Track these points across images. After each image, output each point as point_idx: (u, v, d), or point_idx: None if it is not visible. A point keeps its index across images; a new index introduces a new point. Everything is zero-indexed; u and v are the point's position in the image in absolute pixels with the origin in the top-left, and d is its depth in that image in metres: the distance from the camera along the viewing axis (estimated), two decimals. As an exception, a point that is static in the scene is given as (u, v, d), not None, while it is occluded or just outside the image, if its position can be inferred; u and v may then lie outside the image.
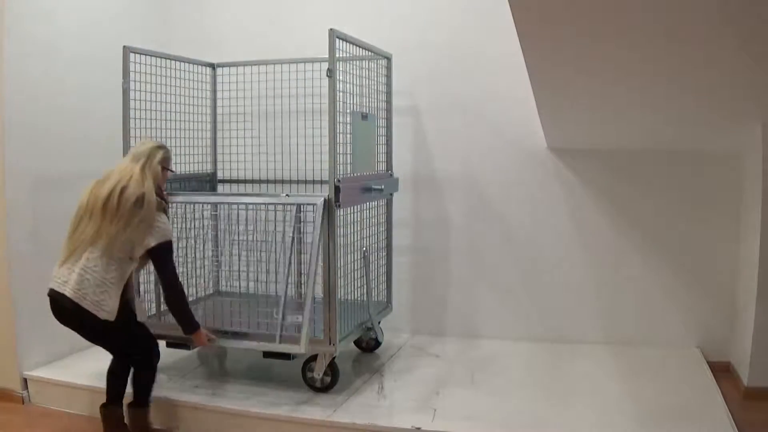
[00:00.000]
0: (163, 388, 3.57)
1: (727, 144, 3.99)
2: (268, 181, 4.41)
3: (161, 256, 3.15)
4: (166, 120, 4.04)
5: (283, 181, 4.35)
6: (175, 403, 3.45)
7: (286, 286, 3.38)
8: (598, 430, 3.12)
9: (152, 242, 3.09)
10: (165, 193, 3.38)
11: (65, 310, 3.04)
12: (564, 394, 3.51)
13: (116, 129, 4.41)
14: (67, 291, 3.02)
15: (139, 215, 3.05)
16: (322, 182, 4.15)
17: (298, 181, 4.32)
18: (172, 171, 3.43)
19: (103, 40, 4.32)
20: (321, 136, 3.96)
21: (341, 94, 3.44)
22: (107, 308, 3.03)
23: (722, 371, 3.87)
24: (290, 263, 3.39)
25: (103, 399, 3.31)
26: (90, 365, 3.93)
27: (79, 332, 3.16)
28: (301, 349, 3.29)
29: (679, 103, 3.44)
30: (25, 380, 3.79)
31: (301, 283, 3.47)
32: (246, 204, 3.62)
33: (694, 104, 3.45)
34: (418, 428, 3.08)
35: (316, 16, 4.48)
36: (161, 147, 3.31)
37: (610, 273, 4.26)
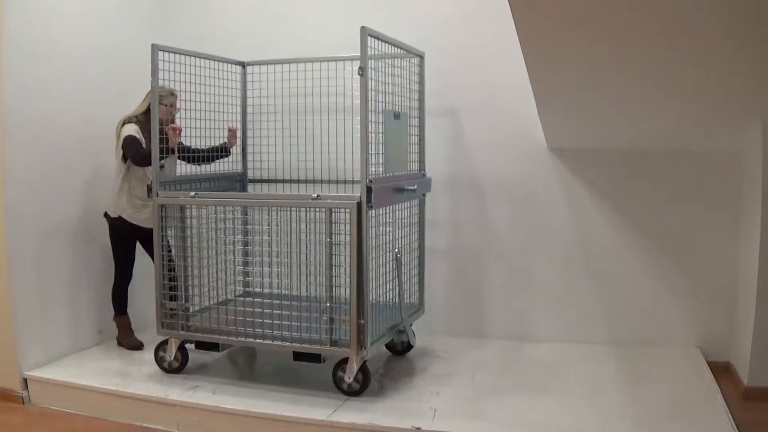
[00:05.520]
0: (163, 388, 3.57)
1: (727, 144, 3.99)
2: (298, 181, 4.34)
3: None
4: (194, 119, 4.01)
5: (314, 181, 4.29)
6: (173, 403, 3.45)
7: (331, 288, 3.37)
8: (598, 429, 3.11)
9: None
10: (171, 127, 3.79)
11: None
12: (564, 394, 3.51)
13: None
14: None
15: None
16: (353, 182, 4.07)
17: (329, 181, 4.25)
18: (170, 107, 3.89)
19: (104, 38, 4.33)
20: (352, 136, 3.94)
21: (373, 92, 3.37)
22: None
23: (722, 371, 3.87)
24: (331, 265, 3.37)
25: (103, 399, 3.30)
26: (90, 365, 3.94)
27: None
28: (366, 354, 3.30)
29: (679, 103, 3.44)
30: (25, 380, 3.79)
31: (333, 286, 3.42)
32: (277, 205, 3.59)
33: (694, 104, 3.44)
34: (418, 428, 3.08)
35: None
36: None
37: (609, 273, 4.26)
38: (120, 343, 4.29)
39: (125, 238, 4.14)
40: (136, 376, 3.78)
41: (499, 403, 3.40)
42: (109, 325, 4.36)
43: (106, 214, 4.15)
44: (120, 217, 4.08)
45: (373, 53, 3.35)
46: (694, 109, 3.53)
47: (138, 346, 4.23)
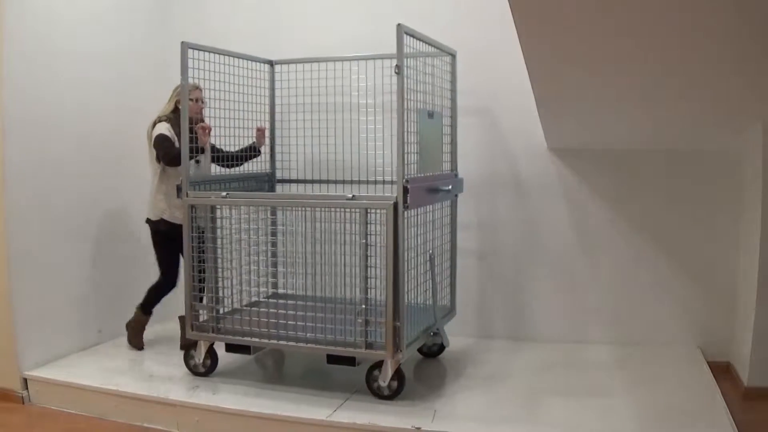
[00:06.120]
0: (164, 388, 3.57)
1: (727, 144, 3.99)
2: (327, 181, 4.28)
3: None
4: (221, 118, 3.95)
5: (342, 182, 4.21)
6: (173, 403, 3.45)
7: (367, 291, 3.33)
8: (598, 429, 3.12)
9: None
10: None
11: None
12: (564, 394, 3.51)
13: (117, 127, 4.46)
14: None
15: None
16: (384, 182, 4.03)
17: (358, 181, 4.16)
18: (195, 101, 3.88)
19: (103, 39, 4.33)
20: (383, 135, 3.92)
21: (409, 91, 3.30)
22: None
23: (722, 371, 3.87)
24: (366, 267, 3.33)
25: (103, 399, 3.30)
26: (90, 365, 3.94)
27: None
28: (401, 356, 3.26)
29: (679, 103, 3.44)
30: (25, 380, 3.79)
31: (368, 287, 3.36)
32: (311, 206, 3.55)
33: (694, 104, 3.44)
34: (418, 428, 3.08)
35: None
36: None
37: (609, 273, 4.26)
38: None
39: (169, 241, 4.03)
40: (136, 376, 3.78)
41: (498, 402, 3.40)
42: (108, 325, 4.36)
43: (148, 220, 4.12)
44: (162, 220, 4.04)
45: (408, 51, 3.27)
46: (694, 109, 3.53)
47: (139, 347, 4.22)
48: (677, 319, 4.17)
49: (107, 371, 3.82)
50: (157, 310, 4.30)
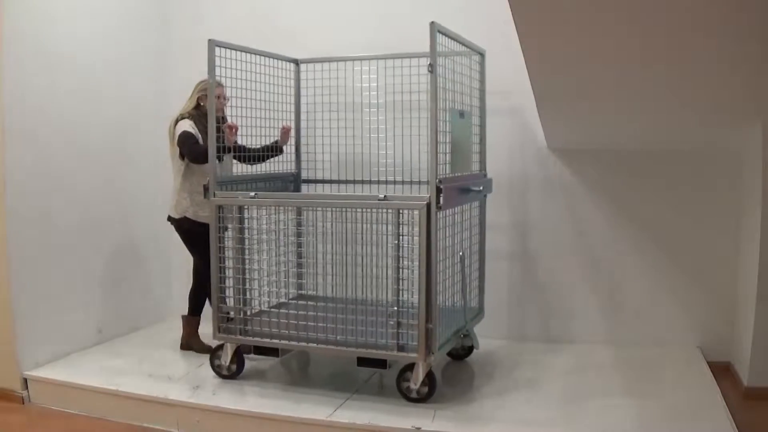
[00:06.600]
0: (163, 388, 3.58)
1: (727, 144, 3.99)
2: (354, 181, 4.24)
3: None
4: (246, 117, 3.90)
5: (370, 182, 4.16)
6: (173, 403, 3.45)
7: (399, 293, 3.30)
8: (598, 429, 3.12)
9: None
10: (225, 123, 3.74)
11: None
12: (564, 394, 3.51)
13: (117, 130, 4.46)
14: None
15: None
16: (411, 182, 4.02)
17: (385, 182, 4.10)
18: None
19: (103, 41, 4.33)
20: (410, 134, 3.90)
21: (441, 90, 3.25)
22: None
23: (722, 371, 3.87)
24: (398, 268, 3.30)
25: (103, 399, 3.30)
26: (90, 365, 3.94)
27: None
28: (433, 359, 3.22)
29: (679, 103, 3.44)
30: (25, 380, 3.79)
31: (400, 289, 3.32)
32: (343, 206, 3.53)
33: (694, 104, 3.44)
34: (418, 428, 3.08)
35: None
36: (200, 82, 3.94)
37: (609, 273, 4.26)
38: (188, 347, 4.18)
39: (196, 236, 3.96)
40: (136, 376, 3.77)
41: (498, 402, 3.40)
42: (108, 325, 4.37)
43: (170, 218, 4.08)
44: (185, 218, 4.00)
45: (441, 50, 3.21)
46: (694, 109, 3.53)
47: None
48: (677, 319, 4.17)
49: (107, 371, 3.82)
50: (157, 309, 4.30)
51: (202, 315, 4.19)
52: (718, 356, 4.02)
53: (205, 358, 3.92)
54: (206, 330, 4.04)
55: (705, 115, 3.62)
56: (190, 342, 4.18)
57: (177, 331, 4.30)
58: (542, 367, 3.91)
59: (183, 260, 4.32)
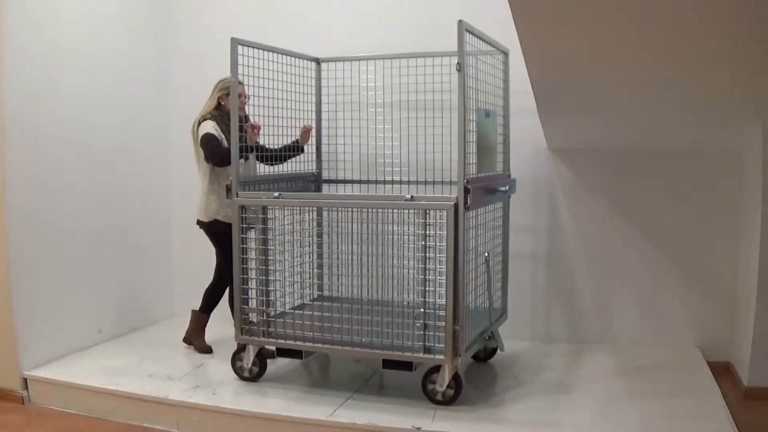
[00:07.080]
0: (163, 388, 3.58)
1: (727, 144, 3.99)
2: (376, 182, 4.21)
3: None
4: (267, 116, 3.84)
5: (392, 182, 4.14)
6: (173, 403, 3.45)
7: (426, 294, 3.26)
8: (598, 429, 3.12)
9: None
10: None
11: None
12: (564, 394, 3.51)
13: (117, 130, 4.46)
14: None
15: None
16: (434, 182, 3.98)
17: (407, 182, 4.09)
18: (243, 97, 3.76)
19: (103, 41, 4.33)
20: (433, 134, 3.88)
21: (469, 90, 3.21)
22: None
23: (722, 371, 3.87)
24: (425, 269, 3.26)
25: (103, 399, 3.30)
26: (90, 365, 3.94)
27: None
28: (459, 361, 3.19)
29: (679, 103, 3.44)
30: (25, 380, 3.79)
31: (427, 291, 3.28)
32: (369, 206, 3.48)
33: (694, 104, 3.44)
34: (418, 428, 3.08)
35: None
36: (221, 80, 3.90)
37: (609, 273, 4.26)
38: (189, 342, 4.17)
39: (228, 238, 3.67)
40: (136, 376, 3.77)
41: (498, 402, 3.40)
42: (108, 325, 4.37)
43: (199, 222, 3.99)
44: (216, 221, 3.91)
45: (469, 49, 3.17)
46: (694, 109, 3.53)
47: (208, 351, 4.05)
48: (677, 319, 4.17)
49: (107, 371, 3.82)
50: (157, 310, 4.30)
51: (211, 315, 4.18)
52: (718, 356, 4.02)
53: (206, 358, 3.92)
54: (213, 330, 4.05)
55: (706, 115, 3.62)
56: (193, 338, 4.17)
57: (177, 331, 4.31)
58: (533, 368, 3.91)
59: (183, 260, 4.32)
